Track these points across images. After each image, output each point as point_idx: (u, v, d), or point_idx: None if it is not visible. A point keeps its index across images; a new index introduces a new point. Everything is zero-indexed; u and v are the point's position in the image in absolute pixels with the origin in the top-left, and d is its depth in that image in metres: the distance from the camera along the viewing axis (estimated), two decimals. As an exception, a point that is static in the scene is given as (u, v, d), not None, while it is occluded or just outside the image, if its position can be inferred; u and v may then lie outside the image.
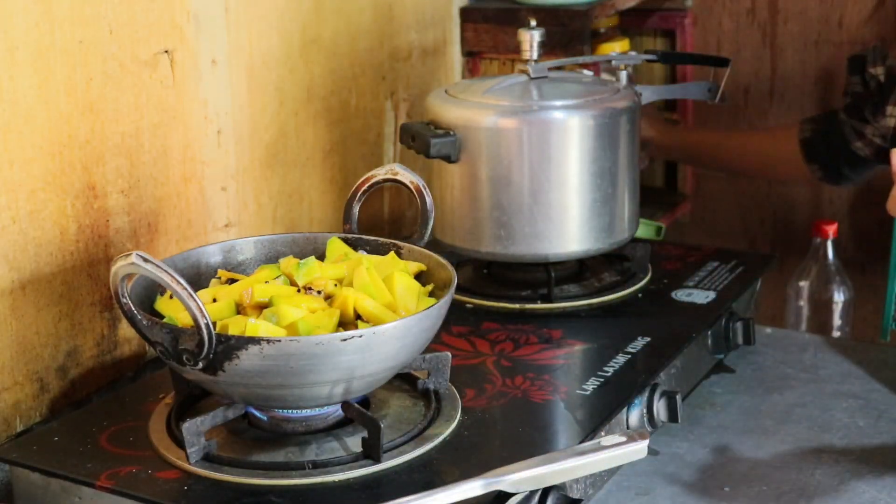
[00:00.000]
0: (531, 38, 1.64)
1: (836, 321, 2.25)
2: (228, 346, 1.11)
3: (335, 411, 1.23)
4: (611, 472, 1.30)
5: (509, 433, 1.25)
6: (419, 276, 1.30)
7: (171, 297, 1.22)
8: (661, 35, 2.65)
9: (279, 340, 1.11)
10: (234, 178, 1.60)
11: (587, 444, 1.15)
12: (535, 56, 1.64)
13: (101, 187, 1.40)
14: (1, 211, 1.28)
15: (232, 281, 1.30)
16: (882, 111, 1.92)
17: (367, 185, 1.40)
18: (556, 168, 1.54)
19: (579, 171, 1.55)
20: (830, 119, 2.07)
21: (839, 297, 2.23)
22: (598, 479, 1.28)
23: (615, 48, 2.36)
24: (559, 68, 1.70)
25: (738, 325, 1.58)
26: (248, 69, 1.60)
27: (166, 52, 1.46)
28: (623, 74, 1.73)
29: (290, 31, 1.68)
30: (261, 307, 1.21)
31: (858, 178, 2.11)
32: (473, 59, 2.13)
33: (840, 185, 2.15)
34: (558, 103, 1.55)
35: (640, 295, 1.60)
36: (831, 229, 2.15)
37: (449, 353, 1.32)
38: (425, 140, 1.55)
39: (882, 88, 1.94)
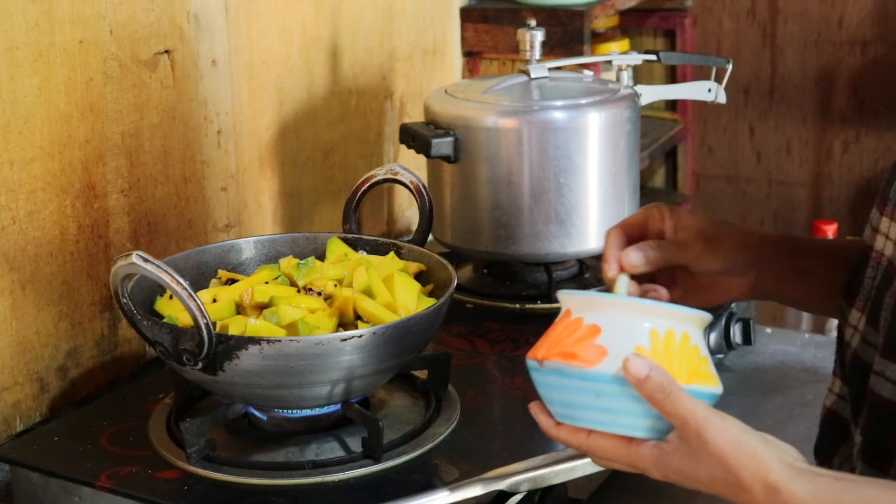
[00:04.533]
0: (531, 38, 1.64)
1: (835, 321, 2.25)
2: (228, 346, 1.11)
3: (335, 411, 1.23)
4: (610, 472, 1.30)
5: (509, 433, 1.25)
6: (419, 276, 1.30)
7: (171, 297, 1.22)
8: (660, 35, 2.65)
9: (279, 340, 1.11)
10: (234, 178, 1.60)
11: (587, 444, 1.15)
12: (535, 56, 1.64)
13: (101, 187, 1.40)
14: (1, 211, 1.28)
15: (232, 281, 1.30)
16: None
17: (367, 185, 1.40)
18: (555, 168, 1.54)
19: (579, 171, 1.55)
20: None
21: (839, 297, 2.23)
22: (598, 479, 1.28)
23: (615, 48, 2.36)
24: (559, 68, 1.70)
25: (738, 325, 1.58)
26: (247, 69, 1.60)
27: (166, 52, 1.46)
28: (623, 74, 1.73)
29: (290, 31, 1.68)
30: (261, 307, 1.21)
31: None
32: (473, 59, 2.13)
33: None
34: (558, 103, 1.55)
35: (640, 295, 1.60)
36: (831, 229, 2.15)
37: (449, 353, 1.32)
38: (425, 140, 1.55)
39: None
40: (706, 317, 0.92)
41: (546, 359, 0.91)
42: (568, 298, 0.94)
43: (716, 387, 0.91)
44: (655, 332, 0.90)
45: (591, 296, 0.93)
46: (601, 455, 0.92)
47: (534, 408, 0.95)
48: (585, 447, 0.92)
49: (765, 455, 0.87)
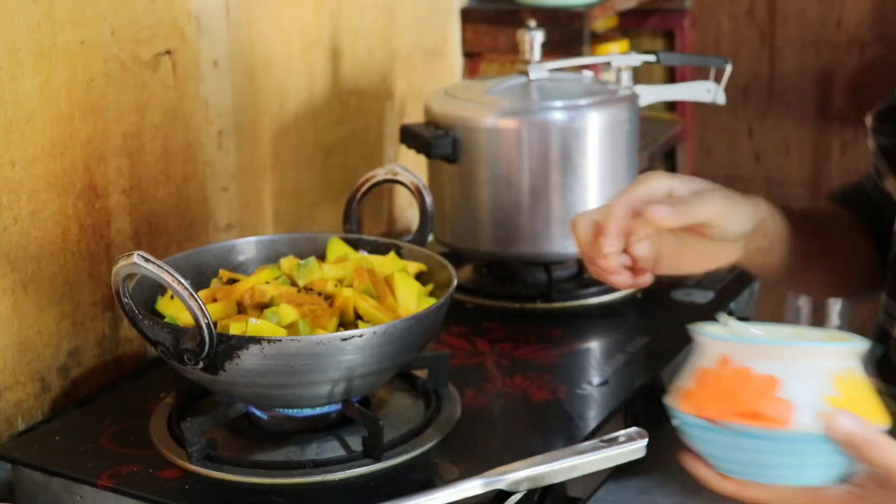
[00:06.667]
0: (531, 39, 1.64)
1: (835, 321, 2.26)
2: (229, 345, 1.12)
3: (336, 410, 1.23)
4: (610, 472, 1.31)
5: (509, 433, 1.26)
6: (419, 276, 1.30)
7: (172, 297, 1.23)
8: (660, 36, 2.65)
9: (280, 340, 1.12)
10: (235, 178, 1.61)
11: (586, 443, 1.15)
12: (534, 57, 1.64)
13: (103, 187, 1.40)
14: (3, 211, 1.28)
15: (233, 281, 1.30)
16: None
17: (367, 185, 1.41)
18: (555, 168, 1.55)
19: (579, 171, 1.55)
20: None
21: (838, 297, 2.23)
22: (598, 478, 1.28)
23: (614, 49, 2.36)
24: (559, 69, 1.70)
25: (737, 325, 1.59)
26: (248, 70, 1.61)
27: (168, 52, 1.47)
28: (623, 75, 1.73)
29: (291, 31, 1.68)
30: (261, 307, 1.21)
31: None
32: (473, 60, 2.13)
33: None
34: (558, 104, 1.55)
35: (639, 295, 1.61)
36: (830, 229, 2.15)
37: (449, 353, 1.33)
38: (425, 140, 1.55)
39: None
40: (865, 345, 0.88)
41: (723, 419, 0.86)
42: (720, 344, 0.88)
43: (890, 420, 0.88)
44: (838, 377, 0.84)
45: (751, 343, 0.87)
46: (778, 503, 0.88)
47: (690, 463, 0.91)
48: (763, 500, 0.88)
49: None
